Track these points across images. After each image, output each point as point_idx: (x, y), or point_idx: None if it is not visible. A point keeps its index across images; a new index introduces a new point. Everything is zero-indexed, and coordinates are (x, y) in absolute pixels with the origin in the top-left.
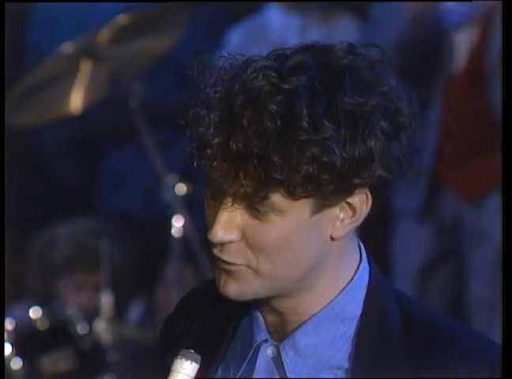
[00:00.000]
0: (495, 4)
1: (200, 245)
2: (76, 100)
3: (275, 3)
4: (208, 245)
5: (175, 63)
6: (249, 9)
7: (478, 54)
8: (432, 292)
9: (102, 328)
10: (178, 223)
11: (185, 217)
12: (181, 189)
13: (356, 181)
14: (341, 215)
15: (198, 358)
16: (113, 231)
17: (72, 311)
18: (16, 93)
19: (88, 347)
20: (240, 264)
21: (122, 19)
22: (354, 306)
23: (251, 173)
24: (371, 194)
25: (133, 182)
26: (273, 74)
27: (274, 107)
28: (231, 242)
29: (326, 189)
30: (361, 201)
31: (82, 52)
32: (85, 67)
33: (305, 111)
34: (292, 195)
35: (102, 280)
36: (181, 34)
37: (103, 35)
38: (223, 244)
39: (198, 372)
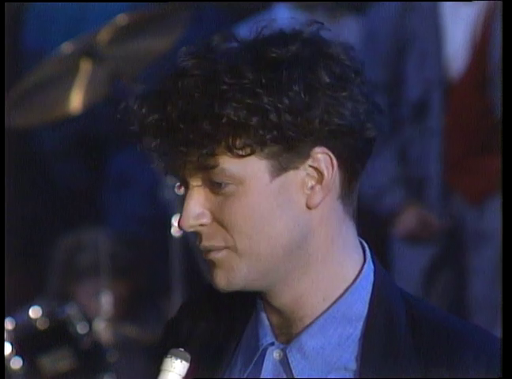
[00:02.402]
0: (496, 4)
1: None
2: (76, 100)
3: (280, 2)
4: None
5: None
6: (254, 8)
7: (479, 55)
8: (433, 293)
9: (102, 327)
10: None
11: None
12: (181, 188)
13: (294, 129)
14: (310, 182)
15: (188, 357)
16: (113, 230)
17: (72, 311)
18: (16, 93)
19: (88, 346)
20: (220, 248)
21: (121, 19)
22: (360, 306)
23: (186, 139)
24: (341, 158)
25: (135, 182)
26: (202, 49)
27: (197, 72)
28: (202, 225)
29: (264, 140)
30: (326, 164)
31: (82, 52)
32: (85, 67)
33: (223, 68)
34: (236, 153)
35: (102, 280)
36: (181, 34)
37: (103, 35)
38: (198, 231)
39: (189, 371)
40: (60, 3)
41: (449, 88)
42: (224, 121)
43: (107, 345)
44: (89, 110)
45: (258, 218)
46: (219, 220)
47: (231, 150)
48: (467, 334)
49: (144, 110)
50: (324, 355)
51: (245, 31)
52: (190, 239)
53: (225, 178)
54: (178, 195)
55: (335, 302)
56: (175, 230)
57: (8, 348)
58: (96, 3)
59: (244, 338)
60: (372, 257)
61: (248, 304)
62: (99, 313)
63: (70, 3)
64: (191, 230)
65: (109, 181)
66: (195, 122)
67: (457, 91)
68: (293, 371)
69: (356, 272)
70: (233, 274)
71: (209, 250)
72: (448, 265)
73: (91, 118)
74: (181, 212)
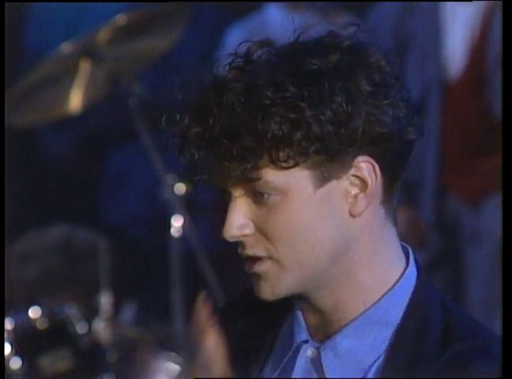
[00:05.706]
0: (495, 4)
1: (199, 245)
2: (75, 100)
3: (274, 1)
4: (236, 251)
5: (175, 62)
6: (249, 7)
7: (478, 55)
8: None
9: (101, 327)
10: (177, 223)
11: (184, 217)
12: (180, 188)
13: (336, 140)
14: (353, 191)
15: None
16: (112, 230)
17: (71, 311)
18: (16, 93)
19: (88, 346)
20: (264, 258)
21: (121, 19)
22: (397, 311)
23: (229, 154)
24: (383, 165)
25: (134, 182)
26: (239, 60)
27: (238, 85)
28: (245, 235)
29: (307, 151)
30: (369, 172)
31: (82, 52)
32: (85, 67)
33: (264, 81)
34: (279, 165)
35: (101, 280)
36: (181, 34)
37: (103, 35)
38: (241, 241)
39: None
40: (59, 3)
41: (447, 89)
42: (268, 136)
43: (106, 345)
44: (89, 110)
45: (301, 228)
46: (262, 231)
47: (274, 163)
48: (498, 353)
49: (186, 122)
50: (357, 356)
51: (240, 32)
52: (190, 240)
53: (269, 190)
54: (178, 195)
55: (372, 306)
56: (174, 230)
57: (7, 348)
58: (95, 3)
59: (280, 334)
60: (416, 263)
61: (286, 302)
62: (99, 313)
63: (69, 3)
64: (234, 240)
65: (108, 181)
66: (238, 138)
67: (455, 91)
68: (324, 370)
69: (398, 277)
70: (278, 285)
71: (252, 261)
72: (444, 265)
73: (90, 118)
74: (224, 222)
